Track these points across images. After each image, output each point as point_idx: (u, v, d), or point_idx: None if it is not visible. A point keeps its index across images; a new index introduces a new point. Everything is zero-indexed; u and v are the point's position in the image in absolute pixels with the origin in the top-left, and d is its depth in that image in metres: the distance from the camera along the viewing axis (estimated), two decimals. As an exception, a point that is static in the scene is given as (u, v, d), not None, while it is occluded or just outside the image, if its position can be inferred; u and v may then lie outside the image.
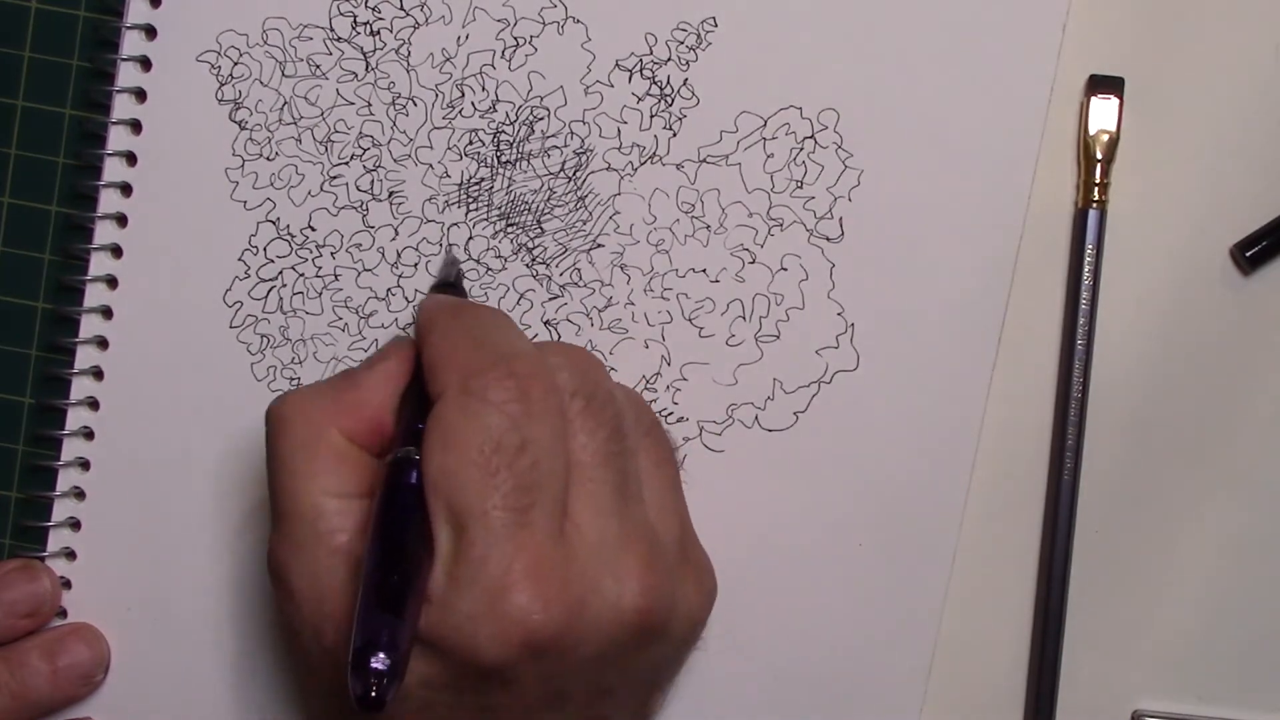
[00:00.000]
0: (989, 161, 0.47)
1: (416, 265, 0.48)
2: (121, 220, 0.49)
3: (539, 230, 0.48)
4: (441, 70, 0.48)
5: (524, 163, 0.48)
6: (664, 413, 0.48)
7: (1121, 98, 0.47)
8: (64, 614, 0.49)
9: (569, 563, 0.37)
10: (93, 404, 0.49)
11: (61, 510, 0.49)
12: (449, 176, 0.48)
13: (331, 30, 0.48)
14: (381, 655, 0.34)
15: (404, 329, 0.48)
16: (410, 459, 0.37)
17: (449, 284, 0.47)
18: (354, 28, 0.48)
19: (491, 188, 0.48)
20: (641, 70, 0.48)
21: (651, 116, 0.48)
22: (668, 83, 0.48)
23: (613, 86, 0.48)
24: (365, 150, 0.48)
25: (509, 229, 0.48)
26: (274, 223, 0.48)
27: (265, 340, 0.49)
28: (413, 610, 0.36)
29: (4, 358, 0.50)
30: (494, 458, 0.36)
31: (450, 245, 0.48)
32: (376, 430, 0.40)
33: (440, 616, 0.36)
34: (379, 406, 0.40)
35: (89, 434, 0.49)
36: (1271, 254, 0.48)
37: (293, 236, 0.49)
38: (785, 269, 0.48)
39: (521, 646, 0.36)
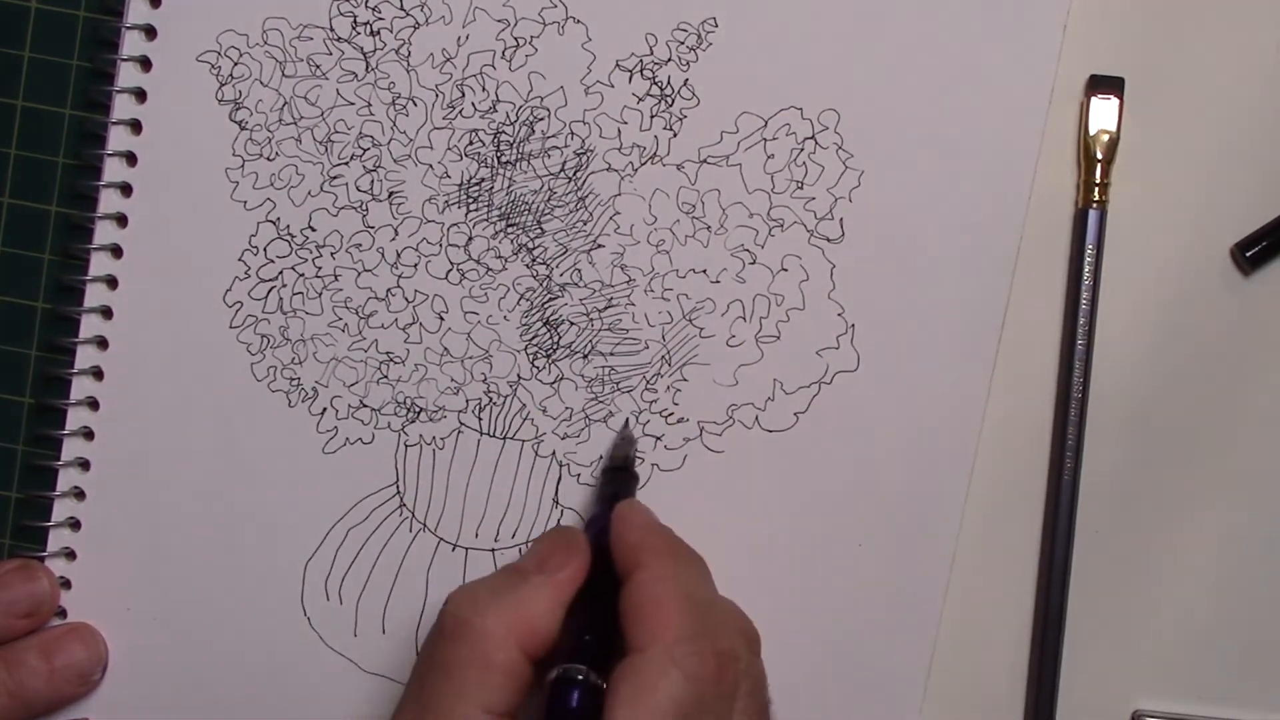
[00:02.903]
0: (989, 161, 0.47)
1: (416, 265, 0.48)
2: (121, 220, 0.49)
3: (539, 230, 0.48)
4: (442, 70, 0.48)
5: (524, 163, 0.48)
6: (664, 413, 0.48)
7: (1121, 98, 0.47)
8: (63, 614, 0.49)
9: None
10: (93, 404, 0.49)
11: (61, 510, 0.49)
12: (449, 176, 0.48)
13: (332, 30, 0.48)
14: None
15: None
16: (573, 679, 0.38)
17: (623, 469, 0.47)
18: (354, 28, 0.48)
19: (492, 188, 0.48)
20: (642, 70, 0.48)
21: (652, 117, 0.48)
22: (668, 83, 0.48)
23: (613, 87, 0.48)
24: (365, 150, 0.48)
25: (509, 229, 0.48)
26: (274, 223, 0.48)
27: (265, 340, 0.49)
28: None
29: (4, 358, 0.50)
30: None
31: (627, 422, 0.48)
32: (549, 640, 0.41)
33: None
34: (553, 619, 0.41)
35: (89, 434, 0.49)
36: (1271, 254, 0.48)
37: (293, 236, 0.48)
38: (786, 269, 0.48)
39: None
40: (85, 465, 0.49)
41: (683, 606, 0.40)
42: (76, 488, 0.49)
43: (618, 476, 0.47)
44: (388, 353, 0.48)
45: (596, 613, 0.40)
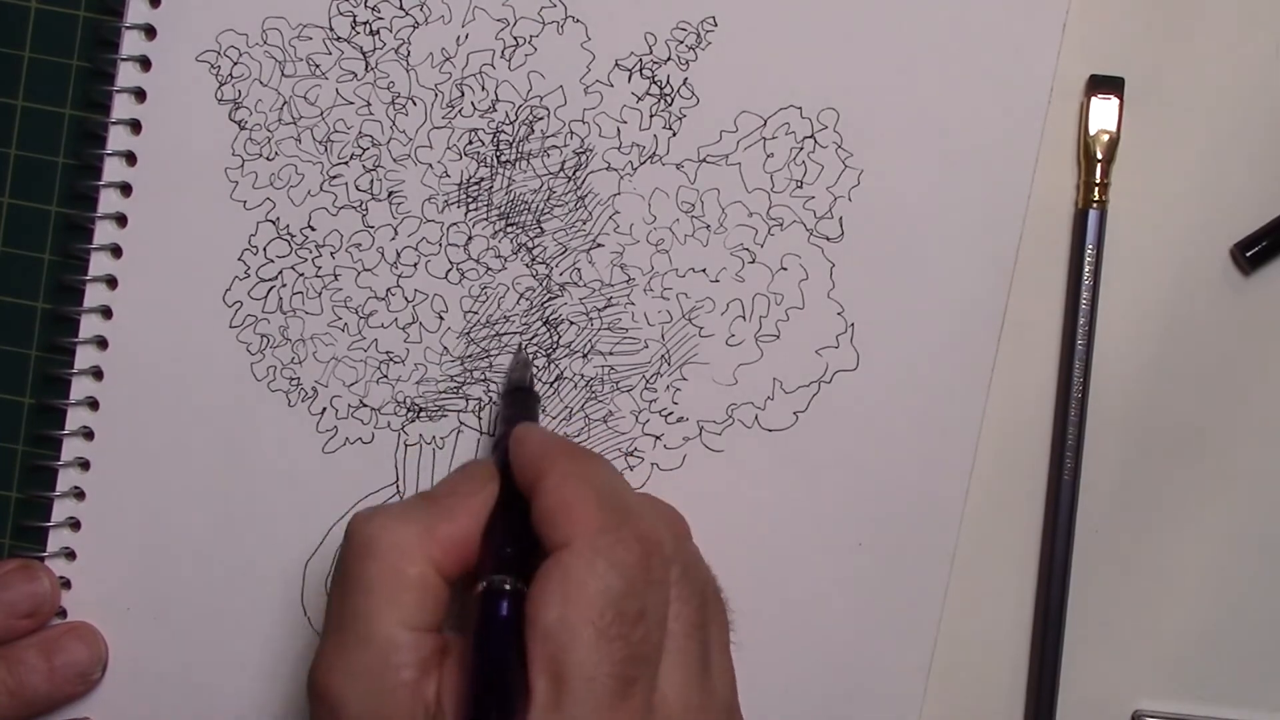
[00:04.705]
0: (989, 161, 0.47)
1: (416, 265, 0.48)
2: (121, 220, 0.49)
3: (539, 230, 0.48)
4: (441, 70, 0.48)
5: (524, 162, 0.48)
6: (664, 412, 0.48)
7: (1121, 98, 0.47)
8: (63, 614, 0.49)
9: None
10: (92, 404, 0.49)
11: (61, 510, 0.49)
12: (449, 176, 0.48)
13: (331, 30, 0.48)
14: None
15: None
16: (502, 589, 0.38)
17: (522, 388, 0.47)
18: (353, 27, 0.48)
19: (491, 187, 0.48)
20: (641, 70, 0.48)
21: (651, 116, 0.48)
22: (667, 82, 0.48)
23: (612, 86, 0.48)
24: (365, 150, 0.48)
25: (509, 229, 0.48)
26: (274, 222, 0.49)
27: (265, 340, 0.49)
28: None
29: (4, 358, 0.50)
30: (614, 624, 0.37)
31: (522, 345, 0.48)
32: (464, 561, 0.40)
33: None
34: (471, 539, 0.40)
35: (89, 434, 0.49)
36: (1271, 254, 0.48)
37: (292, 236, 0.49)
38: (785, 269, 0.48)
39: None
40: (85, 465, 0.49)
41: (597, 499, 0.39)
42: (76, 488, 0.49)
43: (517, 398, 0.46)
44: (387, 352, 0.48)
45: (514, 530, 0.39)
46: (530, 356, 0.48)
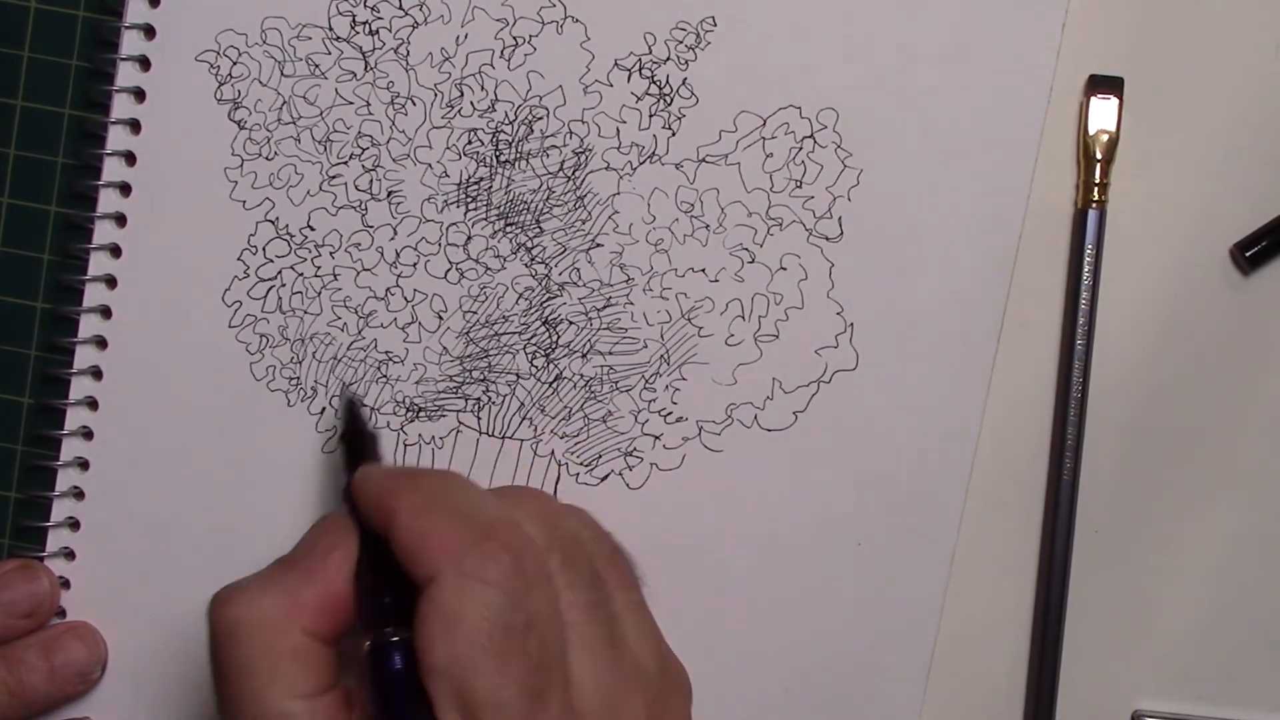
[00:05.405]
0: (989, 161, 0.47)
1: (415, 265, 0.48)
2: (121, 220, 0.49)
3: (538, 230, 0.48)
4: (440, 70, 0.48)
5: (523, 162, 0.48)
6: (663, 412, 0.48)
7: (1121, 98, 0.47)
8: (63, 614, 0.49)
9: None
10: (92, 404, 0.49)
11: (60, 510, 0.49)
12: (448, 176, 0.48)
13: (330, 30, 0.48)
14: None
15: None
16: (390, 642, 0.37)
17: (358, 431, 0.45)
18: (353, 27, 0.48)
19: (490, 187, 0.48)
20: (640, 70, 0.48)
21: (650, 116, 0.48)
22: (667, 82, 0.48)
23: (612, 86, 0.48)
24: (364, 150, 0.48)
25: (508, 229, 0.48)
26: (273, 222, 0.49)
27: (265, 340, 0.49)
28: None
29: (4, 358, 0.50)
30: (505, 642, 0.36)
31: (346, 386, 0.48)
32: (337, 620, 0.39)
33: None
34: (339, 597, 0.39)
35: (88, 434, 0.49)
36: (1271, 254, 0.48)
37: (291, 236, 0.49)
38: (784, 268, 0.48)
39: None
40: (85, 465, 0.49)
41: (453, 523, 0.38)
42: (76, 488, 0.49)
43: (353, 442, 0.45)
44: (387, 352, 0.48)
45: (386, 576, 0.38)
46: (360, 397, 0.48)
